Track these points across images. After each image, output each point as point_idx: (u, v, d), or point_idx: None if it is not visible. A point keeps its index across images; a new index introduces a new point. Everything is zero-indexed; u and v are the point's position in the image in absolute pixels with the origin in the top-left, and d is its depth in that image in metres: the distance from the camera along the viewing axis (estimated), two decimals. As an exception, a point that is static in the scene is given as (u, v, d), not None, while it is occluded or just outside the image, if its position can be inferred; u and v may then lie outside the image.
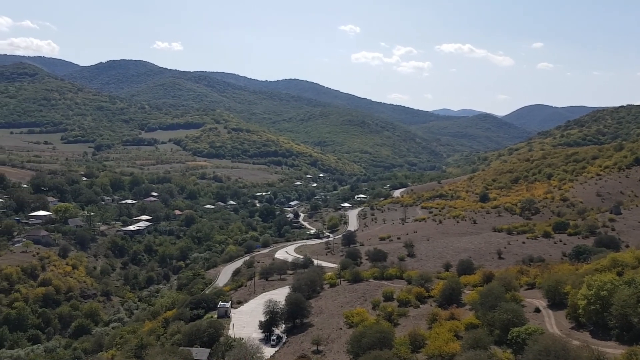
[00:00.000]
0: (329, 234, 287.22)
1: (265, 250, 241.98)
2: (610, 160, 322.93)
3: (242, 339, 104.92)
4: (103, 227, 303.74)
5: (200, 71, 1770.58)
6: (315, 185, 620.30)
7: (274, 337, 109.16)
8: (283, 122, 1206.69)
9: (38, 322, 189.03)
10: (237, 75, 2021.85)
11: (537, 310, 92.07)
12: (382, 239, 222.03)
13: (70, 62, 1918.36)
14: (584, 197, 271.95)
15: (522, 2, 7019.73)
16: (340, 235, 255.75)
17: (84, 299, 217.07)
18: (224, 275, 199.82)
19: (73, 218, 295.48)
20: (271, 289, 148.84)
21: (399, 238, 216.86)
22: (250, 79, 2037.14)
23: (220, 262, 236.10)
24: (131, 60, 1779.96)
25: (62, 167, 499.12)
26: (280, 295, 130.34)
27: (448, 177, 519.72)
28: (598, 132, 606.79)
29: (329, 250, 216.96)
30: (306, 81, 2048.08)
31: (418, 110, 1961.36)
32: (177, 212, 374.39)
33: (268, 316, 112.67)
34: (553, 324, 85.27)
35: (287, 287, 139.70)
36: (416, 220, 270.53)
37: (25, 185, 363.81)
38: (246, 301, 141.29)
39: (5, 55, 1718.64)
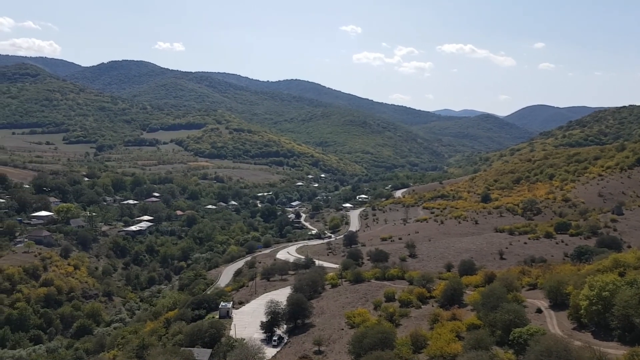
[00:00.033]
0: (330, 234, 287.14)
1: (267, 251, 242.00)
2: (612, 160, 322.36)
3: (244, 339, 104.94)
4: (105, 228, 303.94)
5: (202, 71, 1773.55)
6: (316, 185, 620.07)
7: (275, 338, 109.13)
8: (284, 123, 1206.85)
9: (40, 322, 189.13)
10: (239, 75, 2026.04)
11: (539, 311, 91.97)
12: (383, 239, 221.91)
13: (72, 63, 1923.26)
14: (586, 198, 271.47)
15: (524, 3, 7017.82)
16: (341, 236, 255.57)
17: (86, 299, 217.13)
18: (225, 275, 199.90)
19: (75, 218, 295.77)
20: (273, 290, 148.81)
21: (400, 238, 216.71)
22: (252, 79, 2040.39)
23: (221, 263, 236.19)
24: (133, 60, 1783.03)
25: (64, 167, 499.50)
26: (281, 295, 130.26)
27: (450, 177, 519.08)
28: (600, 132, 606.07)
29: (330, 250, 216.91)
30: (307, 81, 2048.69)
31: (419, 110, 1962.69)
32: (179, 212, 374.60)
33: (269, 316, 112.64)
34: (555, 324, 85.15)
35: (289, 287, 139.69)
36: (418, 220, 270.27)
37: (27, 186, 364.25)
38: (248, 302, 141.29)
39: (8, 55, 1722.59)
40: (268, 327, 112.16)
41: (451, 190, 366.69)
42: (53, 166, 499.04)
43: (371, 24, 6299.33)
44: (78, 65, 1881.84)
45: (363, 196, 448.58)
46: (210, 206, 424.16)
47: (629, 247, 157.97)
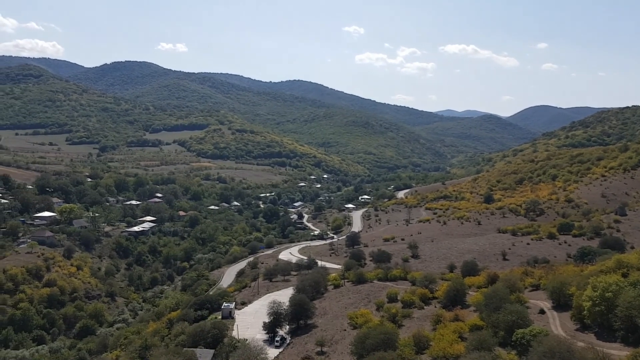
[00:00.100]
0: (332, 235, 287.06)
1: (269, 251, 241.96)
2: (615, 161, 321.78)
3: (246, 340, 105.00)
4: (107, 228, 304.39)
5: (205, 72, 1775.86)
6: (319, 186, 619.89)
7: (278, 338, 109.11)
8: (287, 123, 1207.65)
9: (43, 322, 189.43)
10: (241, 76, 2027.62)
11: (542, 312, 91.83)
12: (386, 240, 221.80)
13: (75, 64, 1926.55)
14: (589, 198, 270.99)
15: (527, 3, 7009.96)
16: (344, 236, 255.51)
17: (89, 299, 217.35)
18: (228, 276, 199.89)
19: (78, 219, 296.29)
20: (275, 290, 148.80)
21: (403, 239, 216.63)
22: (254, 80, 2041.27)
23: (224, 263, 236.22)
24: (136, 61, 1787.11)
25: (67, 168, 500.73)
26: (284, 296, 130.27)
27: (452, 178, 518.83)
28: (603, 133, 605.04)
29: (333, 251, 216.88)
30: (310, 82, 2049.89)
31: (422, 111, 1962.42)
32: (182, 213, 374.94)
33: (272, 317, 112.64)
34: (558, 325, 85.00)
35: (291, 288, 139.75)
36: (420, 221, 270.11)
37: (30, 187, 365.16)
38: (250, 302, 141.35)
39: (11, 56, 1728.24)
40: (270, 328, 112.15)
41: (454, 190, 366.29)
42: (56, 167, 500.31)
43: (374, 24, 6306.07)
44: (81, 66, 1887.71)
45: (365, 197, 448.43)
46: (212, 207, 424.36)
47: (632, 247, 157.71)
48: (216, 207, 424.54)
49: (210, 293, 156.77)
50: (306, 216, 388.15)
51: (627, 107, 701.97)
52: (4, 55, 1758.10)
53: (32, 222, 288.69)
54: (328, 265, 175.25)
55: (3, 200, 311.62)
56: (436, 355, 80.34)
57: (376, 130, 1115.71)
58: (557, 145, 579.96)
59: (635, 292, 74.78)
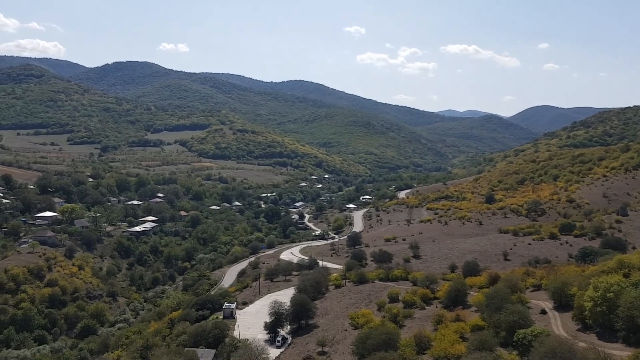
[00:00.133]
0: (334, 235, 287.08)
1: (271, 251, 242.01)
2: (617, 161, 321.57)
3: (248, 340, 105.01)
4: (109, 228, 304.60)
5: (206, 72, 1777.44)
6: (320, 186, 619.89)
7: (279, 338, 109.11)
8: (288, 123, 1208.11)
9: (44, 322, 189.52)
10: (243, 76, 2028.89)
11: (543, 312, 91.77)
12: (387, 240, 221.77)
13: (77, 64, 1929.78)
14: (591, 199, 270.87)
15: (528, 3, 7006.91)
16: (345, 237, 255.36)
17: (90, 299, 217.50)
18: (229, 276, 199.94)
19: (79, 219, 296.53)
20: (276, 290, 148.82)
21: (404, 239, 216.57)
22: (256, 80, 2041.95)
23: (225, 263, 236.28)
24: (137, 61, 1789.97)
25: (69, 168, 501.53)
26: (285, 296, 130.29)
27: (453, 178, 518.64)
28: (604, 133, 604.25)
29: (334, 251, 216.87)
30: (311, 82, 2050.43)
31: (423, 111, 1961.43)
32: (183, 213, 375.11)
33: (273, 317, 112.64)
34: (559, 325, 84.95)
35: (292, 288, 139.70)
36: (421, 221, 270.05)
37: (31, 186, 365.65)
38: (251, 302, 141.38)
39: (12, 56, 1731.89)
40: (272, 328, 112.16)
41: (455, 191, 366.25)
42: (57, 167, 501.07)
43: (375, 24, 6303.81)
44: (82, 66, 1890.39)
45: (367, 197, 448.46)
46: (214, 207, 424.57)
47: (634, 248, 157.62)
48: (217, 207, 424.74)
49: (212, 293, 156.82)
50: (307, 216, 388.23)
51: (629, 107, 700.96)
52: (5, 55, 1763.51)
53: (33, 222, 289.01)
54: (329, 265, 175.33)
55: (5, 200, 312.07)
56: (437, 356, 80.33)
57: (377, 130, 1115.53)
58: (558, 146, 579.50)
59: (636, 293, 74.72)
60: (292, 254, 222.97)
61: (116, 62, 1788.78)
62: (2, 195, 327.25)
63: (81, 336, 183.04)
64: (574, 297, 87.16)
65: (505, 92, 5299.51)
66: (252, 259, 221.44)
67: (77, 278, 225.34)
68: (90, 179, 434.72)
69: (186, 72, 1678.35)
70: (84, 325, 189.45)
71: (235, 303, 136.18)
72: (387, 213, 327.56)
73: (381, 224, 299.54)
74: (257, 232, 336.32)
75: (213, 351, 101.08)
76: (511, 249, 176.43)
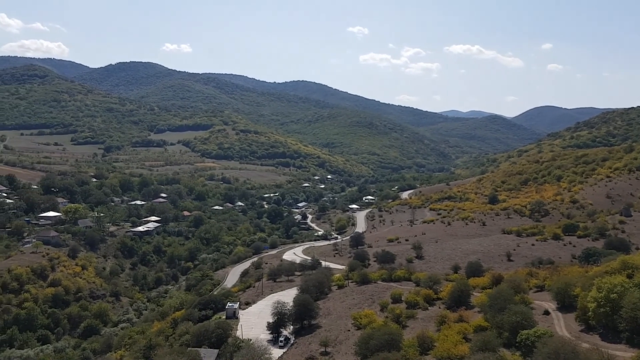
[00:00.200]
0: (336, 235, 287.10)
1: (273, 252, 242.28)
2: (620, 162, 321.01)
3: (250, 340, 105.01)
4: (112, 228, 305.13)
5: (209, 73, 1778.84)
6: (323, 186, 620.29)
7: (281, 339, 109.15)
8: (291, 124, 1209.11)
9: (47, 322, 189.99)
10: (246, 77, 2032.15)
11: (547, 313, 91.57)
12: (390, 240, 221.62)
13: (80, 64, 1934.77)
14: (594, 199, 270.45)
15: (532, 3, 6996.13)
16: (348, 237, 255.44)
17: (93, 299, 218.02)
18: (232, 276, 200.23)
19: (83, 219, 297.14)
20: (279, 290, 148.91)
21: (407, 240, 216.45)
22: (259, 80, 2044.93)
23: (228, 263, 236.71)
24: (140, 62, 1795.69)
25: (72, 168, 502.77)
26: (288, 296, 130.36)
27: (457, 178, 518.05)
28: (608, 133, 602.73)
29: (336, 251, 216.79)
30: (314, 83, 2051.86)
31: (426, 111, 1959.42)
32: (186, 213, 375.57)
33: (276, 317, 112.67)
34: (562, 326, 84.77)
35: (295, 288, 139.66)
36: (424, 222, 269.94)
37: (35, 186, 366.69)
38: (254, 302, 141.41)
39: (16, 57, 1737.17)
40: (274, 328, 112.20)
41: (458, 191, 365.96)
42: (61, 167, 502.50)
43: (378, 25, 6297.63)
44: (86, 66, 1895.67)
45: (369, 197, 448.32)
46: (217, 207, 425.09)
47: (637, 248, 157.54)
48: (220, 208, 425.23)
49: (215, 293, 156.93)
50: (310, 216, 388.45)
51: (632, 108, 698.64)
52: (9, 56, 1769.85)
53: (37, 222, 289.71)
54: (332, 265, 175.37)
55: (8, 200, 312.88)
56: (440, 356, 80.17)
57: (380, 130, 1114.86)
58: (562, 146, 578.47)
59: (640, 294, 74.54)
60: (294, 254, 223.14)
61: (119, 62, 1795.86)
62: (5, 195, 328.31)
63: (84, 336, 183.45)
64: (577, 298, 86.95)
65: (508, 93, 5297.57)
66: (255, 259, 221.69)
67: (81, 278, 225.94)
68: (94, 179, 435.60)
69: (189, 73, 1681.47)
70: (87, 325, 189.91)
71: (238, 303, 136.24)
72: (390, 213, 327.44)
73: (384, 224, 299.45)
74: (260, 233, 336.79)
75: (216, 351, 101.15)
76: (514, 250, 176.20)
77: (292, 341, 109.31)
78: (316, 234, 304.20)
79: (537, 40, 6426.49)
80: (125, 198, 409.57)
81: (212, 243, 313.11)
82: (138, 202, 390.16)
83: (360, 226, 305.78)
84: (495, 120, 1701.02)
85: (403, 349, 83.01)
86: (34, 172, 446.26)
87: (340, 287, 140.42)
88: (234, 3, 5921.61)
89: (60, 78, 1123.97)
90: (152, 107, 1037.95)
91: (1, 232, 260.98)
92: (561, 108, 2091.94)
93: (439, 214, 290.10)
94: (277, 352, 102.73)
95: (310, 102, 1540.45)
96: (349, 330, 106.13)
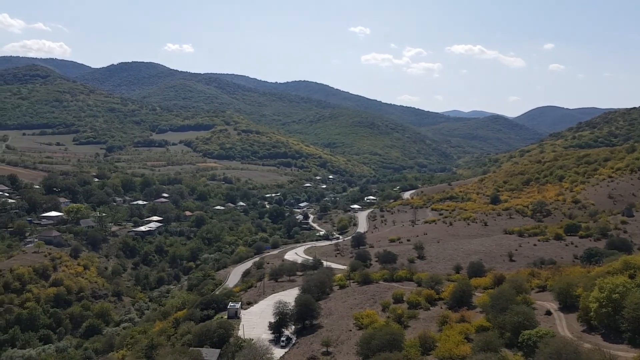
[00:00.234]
0: (338, 235, 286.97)
1: (275, 252, 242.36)
2: (622, 162, 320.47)
3: (252, 339, 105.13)
4: (114, 228, 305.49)
5: (211, 73, 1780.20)
6: (324, 186, 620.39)
7: (283, 338, 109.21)
8: (292, 124, 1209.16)
9: (49, 322, 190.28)
10: (247, 77, 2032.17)
11: (549, 313, 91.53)
12: (391, 240, 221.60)
13: (82, 64, 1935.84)
14: (596, 199, 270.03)
15: (533, 3, 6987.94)
16: (349, 237, 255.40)
17: (95, 299, 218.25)
18: (233, 276, 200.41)
19: (85, 219, 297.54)
20: (281, 290, 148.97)
21: (408, 240, 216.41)
22: (260, 80, 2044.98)
23: (230, 263, 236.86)
24: (142, 62, 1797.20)
25: (74, 168, 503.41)
26: (289, 296, 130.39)
27: (458, 179, 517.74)
28: (610, 133, 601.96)
29: (338, 251, 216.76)
30: (316, 83, 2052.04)
31: (428, 111, 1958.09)
32: (188, 213, 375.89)
33: (278, 317, 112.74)
34: (564, 326, 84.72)
35: (297, 288, 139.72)
36: (426, 222, 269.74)
37: (37, 186, 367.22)
38: (256, 302, 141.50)
39: (18, 57, 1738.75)
40: (276, 328, 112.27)
41: (460, 191, 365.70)
42: (63, 167, 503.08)
43: (380, 25, 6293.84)
44: (88, 66, 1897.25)
45: (371, 197, 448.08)
46: (218, 207, 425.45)
47: (639, 249, 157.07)
48: (222, 208, 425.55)
49: (216, 293, 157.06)
50: (312, 217, 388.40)
51: (634, 108, 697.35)
52: (11, 56, 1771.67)
53: (39, 221, 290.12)
54: (333, 265, 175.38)
55: (10, 200, 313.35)
56: (442, 356, 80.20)
57: (382, 130, 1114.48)
58: (564, 146, 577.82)
59: (642, 294, 74.43)
60: (296, 254, 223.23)
61: (121, 62, 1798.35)
62: (8, 195, 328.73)
63: (86, 336, 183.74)
64: (579, 298, 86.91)
65: (510, 93, 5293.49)
66: (257, 259, 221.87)
67: (83, 278, 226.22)
68: (96, 179, 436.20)
69: (191, 73, 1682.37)
70: (89, 324, 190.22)
71: (240, 303, 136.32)
72: (392, 214, 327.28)
73: (385, 224, 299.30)
74: (262, 233, 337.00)
75: (218, 351, 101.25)
76: (516, 250, 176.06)
77: (293, 341, 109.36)
78: (318, 234, 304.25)
79: (539, 40, 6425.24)
80: (127, 198, 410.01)
81: (214, 243, 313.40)
82: (140, 202, 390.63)
83: (362, 226, 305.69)
84: (497, 120, 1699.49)
85: (405, 349, 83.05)
86: (36, 172, 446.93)
87: (341, 287, 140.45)
88: (235, 3, 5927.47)
89: (62, 78, 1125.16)
90: (154, 107, 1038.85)
91: (3, 231, 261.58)
92: (563, 108, 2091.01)
93: (440, 214, 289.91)
94: (278, 352, 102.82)
95: (311, 102, 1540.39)
96: (351, 330, 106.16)
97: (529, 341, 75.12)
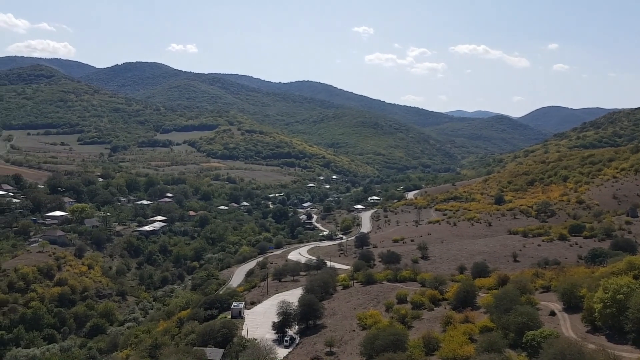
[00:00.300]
0: (342, 235, 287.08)
1: (279, 252, 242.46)
2: (627, 162, 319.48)
3: (256, 339, 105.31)
4: (119, 228, 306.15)
5: (215, 73, 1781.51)
6: (328, 186, 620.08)
7: (287, 338, 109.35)
8: (296, 124, 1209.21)
9: (54, 321, 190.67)
10: (251, 77, 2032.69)
11: (553, 314, 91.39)
12: (395, 241, 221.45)
13: (87, 64, 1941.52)
14: (600, 200, 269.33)
15: (538, 3, 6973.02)
16: (353, 237, 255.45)
17: (100, 298, 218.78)
18: (237, 275, 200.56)
19: (89, 218, 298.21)
20: (284, 290, 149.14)
21: (412, 240, 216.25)
22: (264, 80, 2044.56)
23: (233, 263, 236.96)
24: (147, 62, 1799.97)
25: (79, 168, 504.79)
26: (293, 296, 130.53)
27: (462, 179, 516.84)
28: (614, 134, 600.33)
29: (342, 251, 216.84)
30: (319, 83, 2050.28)
31: (432, 111, 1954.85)
32: (192, 212, 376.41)
33: (281, 317, 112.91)
34: (568, 327, 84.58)
35: (300, 288, 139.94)
36: (430, 222, 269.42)
37: (41, 186, 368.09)
38: (259, 302, 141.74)
39: (23, 57, 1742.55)
40: (280, 328, 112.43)
41: (464, 192, 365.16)
42: (67, 167, 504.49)
43: (383, 25, 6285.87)
44: (92, 66, 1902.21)
45: (375, 198, 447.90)
46: (222, 207, 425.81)
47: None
48: (226, 207, 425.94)
49: (220, 292, 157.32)
50: (315, 217, 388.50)
51: (639, 108, 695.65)
52: (16, 56, 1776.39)
53: (43, 221, 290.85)
54: (337, 265, 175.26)
55: (15, 200, 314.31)
56: (446, 357, 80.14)
57: (385, 130, 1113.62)
58: (568, 146, 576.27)
59: (647, 295, 74.22)
60: (300, 254, 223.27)
61: (126, 62, 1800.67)
62: (12, 194, 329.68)
63: (90, 335, 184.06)
64: (583, 299, 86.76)
65: (514, 93, 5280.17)
66: (260, 259, 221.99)
67: (87, 277, 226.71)
68: (100, 179, 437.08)
69: (195, 73, 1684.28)
70: (93, 324, 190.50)
71: (244, 303, 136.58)
72: (395, 214, 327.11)
73: (389, 224, 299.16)
74: (265, 232, 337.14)
75: (221, 350, 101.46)
76: (520, 250, 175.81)
77: (297, 341, 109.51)
78: (321, 234, 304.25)
79: (543, 40, 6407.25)
80: (131, 198, 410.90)
81: (218, 243, 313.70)
82: (144, 202, 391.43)
83: (366, 226, 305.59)
84: (501, 120, 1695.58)
85: (408, 350, 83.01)
86: (41, 172, 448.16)
87: (345, 287, 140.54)
88: (239, 4, 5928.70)
89: (66, 78, 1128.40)
90: (158, 107, 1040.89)
91: (8, 231, 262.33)
92: (567, 108, 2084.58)
93: (444, 215, 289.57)
94: (282, 351, 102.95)
95: (315, 102, 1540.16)
96: (354, 331, 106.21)
97: (533, 342, 75.03)
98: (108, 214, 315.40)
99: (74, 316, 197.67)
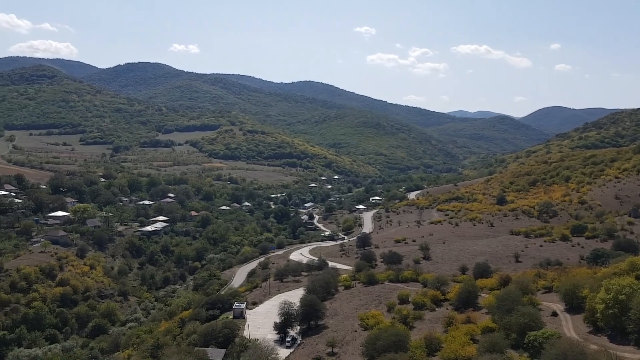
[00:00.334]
0: (343, 236, 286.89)
1: (280, 252, 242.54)
2: (629, 162, 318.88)
3: (257, 339, 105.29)
4: (121, 228, 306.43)
5: (217, 73, 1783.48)
6: (329, 187, 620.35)
7: (288, 339, 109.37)
8: (298, 124, 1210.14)
9: (55, 321, 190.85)
10: (253, 77, 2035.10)
11: (555, 314, 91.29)
12: (397, 241, 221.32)
13: (89, 65, 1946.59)
14: (602, 200, 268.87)
15: (540, 3, 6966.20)
16: (355, 238, 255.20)
17: (101, 298, 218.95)
18: (239, 276, 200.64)
19: (91, 218, 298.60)
20: (286, 291, 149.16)
21: (414, 240, 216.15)
22: (266, 80, 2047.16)
23: (235, 263, 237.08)
24: (149, 62, 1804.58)
25: (81, 168, 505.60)
26: (295, 296, 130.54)
27: (464, 179, 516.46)
28: (616, 134, 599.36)
29: (343, 252, 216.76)
30: (321, 83, 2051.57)
31: (434, 112, 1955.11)
32: (193, 213, 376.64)
33: (283, 317, 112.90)
34: (570, 328, 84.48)
35: (302, 288, 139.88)
36: (432, 222, 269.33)
37: (44, 186, 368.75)
38: (261, 302, 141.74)
39: (25, 57, 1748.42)
40: (281, 328, 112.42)
41: (466, 192, 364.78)
42: (70, 167, 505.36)
43: (385, 25, 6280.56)
44: (95, 67, 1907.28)
45: (376, 198, 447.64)
46: (224, 207, 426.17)
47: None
48: (227, 208, 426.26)
49: (222, 293, 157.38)
50: (317, 217, 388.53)
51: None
52: (18, 56, 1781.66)
53: (45, 221, 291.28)
54: (339, 266, 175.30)
55: (17, 200, 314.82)
56: (448, 357, 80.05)
57: (387, 131, 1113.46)
58: (570, 147, 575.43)
59: (649, 295, 74.10)
60: (301, 254, 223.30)
61: (128, 63, 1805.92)
62: (14, 195, 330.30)
63: (92, 335, 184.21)
64: (585, 299, 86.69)
65: (516, 93, 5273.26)
66: (262, 259, 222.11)
67: (89, 277, 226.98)
68: (102, 179, 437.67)
69: (197, 73, 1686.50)
70: (95, 324, 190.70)
71: (245, 303, 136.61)
72: (397, 214, 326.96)
73: (391, 225, 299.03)
74: (267, 233, 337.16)
75: (223, 351, 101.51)
76: (522, 251, 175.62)
77: (299, 341, 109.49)
78: (323, 234, 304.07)
79: (546, 40, 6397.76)
80: (133, 198, 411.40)
81: (220, 243, 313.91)
82: (146, 202, 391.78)
83: (367, 227, 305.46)
84: (503, 120, 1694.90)
85: (410, 350, 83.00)
86: (43, 172, 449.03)
87: (347, 287, 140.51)
88: (241, 4, 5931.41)
89: (68, 78, 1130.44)
90: (160, 107, 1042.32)
91: (10, 231, 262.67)
92: (569, 108, 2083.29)
93: (446, 215, 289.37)
94: (284, 352, 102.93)
95: (317, 102, 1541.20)
96: (356, 331, 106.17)
97: (535, 342, 74.95)
98: (110, 214, 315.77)
99: (76, 316, 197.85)
